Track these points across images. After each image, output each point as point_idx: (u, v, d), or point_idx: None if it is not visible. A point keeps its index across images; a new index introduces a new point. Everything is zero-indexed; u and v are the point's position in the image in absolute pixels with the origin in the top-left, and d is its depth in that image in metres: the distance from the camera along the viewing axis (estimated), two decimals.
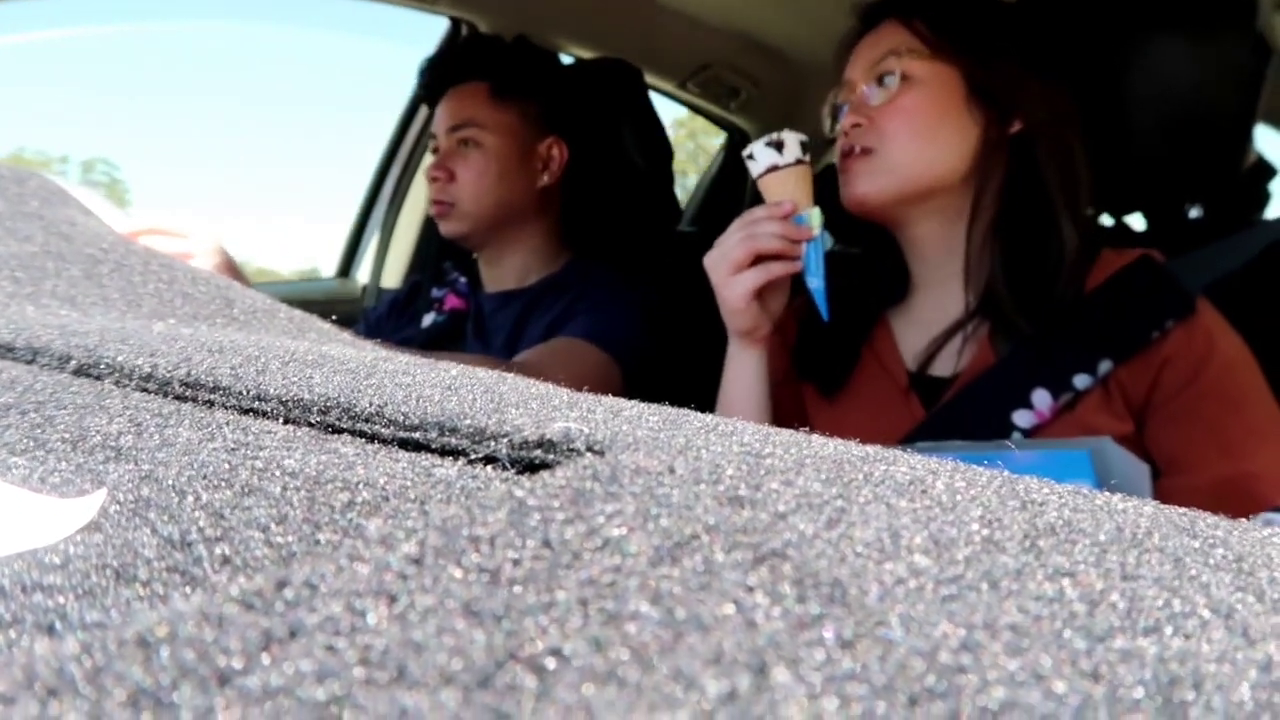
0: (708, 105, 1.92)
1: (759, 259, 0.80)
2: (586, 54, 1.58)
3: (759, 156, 0.82)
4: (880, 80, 0.83)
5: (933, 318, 0.87)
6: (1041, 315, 0.79)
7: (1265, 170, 1.05)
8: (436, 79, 1.27)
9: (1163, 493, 0.71)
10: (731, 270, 0.80)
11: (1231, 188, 1.00)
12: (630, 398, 0.24)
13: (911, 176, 0.82)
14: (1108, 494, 0.19)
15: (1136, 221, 1.06)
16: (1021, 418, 0.76)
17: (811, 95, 1.88)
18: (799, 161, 0.81)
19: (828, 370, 0.90)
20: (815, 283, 0.82)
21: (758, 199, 0.83)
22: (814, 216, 0.81)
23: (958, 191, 0.84)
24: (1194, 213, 1.06)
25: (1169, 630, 0.13)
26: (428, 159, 1.28)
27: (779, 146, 0.81)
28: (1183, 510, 0.18)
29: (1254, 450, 0.72)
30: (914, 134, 0.82)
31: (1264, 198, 1.07)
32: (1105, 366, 0.76)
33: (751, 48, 1.78)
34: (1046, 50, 0.86)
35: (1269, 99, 0.94)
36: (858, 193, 0.83)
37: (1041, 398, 0.76)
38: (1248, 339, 0.78)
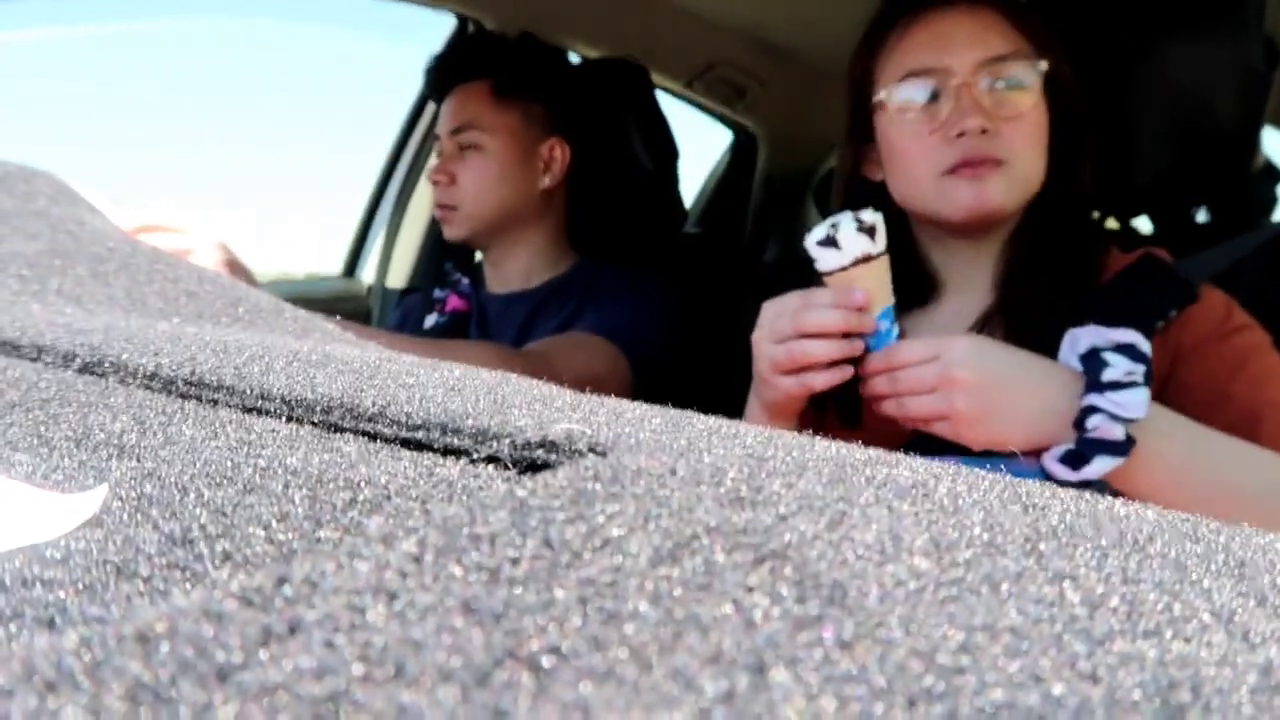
0: (714, 105, 1.92)
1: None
2: (592, 53, 1.58)
3: (846, 245, 0.65)
4: (997, 82, 0.81)
5: (949, 322, 0.87)
6: (1056, 313, 0.79)
7: (1272, 173, 1.05)
8: (441, 77, 1.27)
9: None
10: (773, 370, 0.71)
11: (1239, 191, 1.00)
12: (639, 398, 0.24)
13: (1030, 189, 0.82)
14: (1111, 499, 0.19)
15: (1143, 224, 1.06)
16: None
17: (819, 95, 1.88)
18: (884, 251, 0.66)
19: (846, 405, 0.87)
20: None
21: (767, 200, 0.76)
22: (890, 314, 0.68)
23: None
24: (1201, 216, 1.05)
25: (1169, 634, 0.13)
26: (434, 158, 1.28)
27: (871, 232, 0.64)
28: (1185, 516, 0.18)
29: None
30: (1036, 146, 0.81)
31: (1271, 201, 1.06)
32: None
33: (758, 47, 1.78)
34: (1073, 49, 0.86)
35: (1277, 102, 0.94)
36: (993, 204, 0.80)
37: None
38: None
